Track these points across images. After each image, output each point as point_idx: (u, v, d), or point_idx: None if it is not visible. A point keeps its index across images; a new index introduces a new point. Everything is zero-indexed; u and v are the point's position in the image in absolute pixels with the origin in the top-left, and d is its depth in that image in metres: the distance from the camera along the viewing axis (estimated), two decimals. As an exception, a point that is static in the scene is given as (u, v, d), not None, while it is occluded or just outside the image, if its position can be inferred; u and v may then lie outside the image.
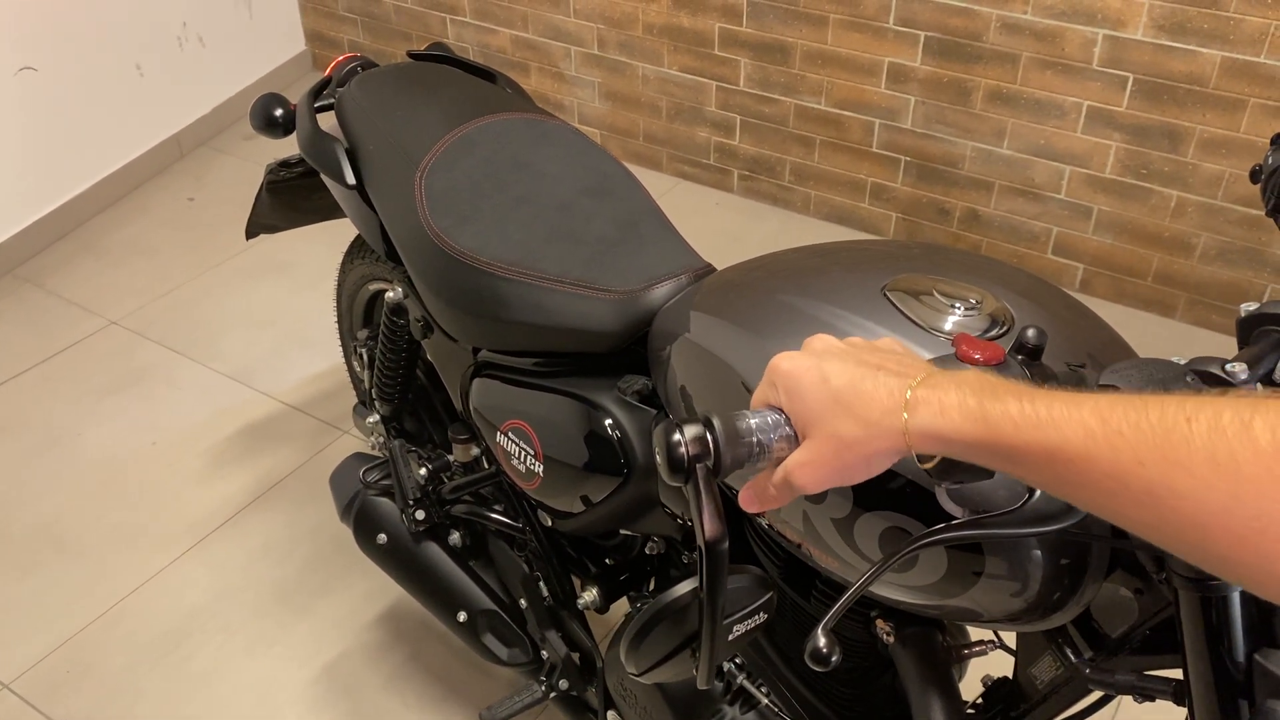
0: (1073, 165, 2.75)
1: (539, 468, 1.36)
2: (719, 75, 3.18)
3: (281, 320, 2.84)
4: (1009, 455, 0.61)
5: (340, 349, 2.13)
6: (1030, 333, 0.71)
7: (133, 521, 2.26)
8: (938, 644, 1.12)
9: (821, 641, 0.64)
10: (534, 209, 1.40)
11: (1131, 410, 0.56)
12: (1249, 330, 0.81)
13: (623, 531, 1.47)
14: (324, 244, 2.87)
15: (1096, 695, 1.03)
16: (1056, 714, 1.04)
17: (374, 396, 1.76)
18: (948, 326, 0.97)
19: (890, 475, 0.91)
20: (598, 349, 1.30)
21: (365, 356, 1.78)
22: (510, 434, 1.39)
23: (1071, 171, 2.76)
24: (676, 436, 0.63)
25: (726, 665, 1.27)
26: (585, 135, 1.53)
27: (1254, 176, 0.99)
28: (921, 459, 0.70)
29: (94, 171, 3.30)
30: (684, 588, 0.70)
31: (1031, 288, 1.06)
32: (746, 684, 1.27)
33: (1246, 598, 0.75)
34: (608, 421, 1.28)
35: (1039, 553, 0.89)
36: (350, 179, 1.52)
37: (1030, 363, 0.71)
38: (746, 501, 0.71)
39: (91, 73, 3.22)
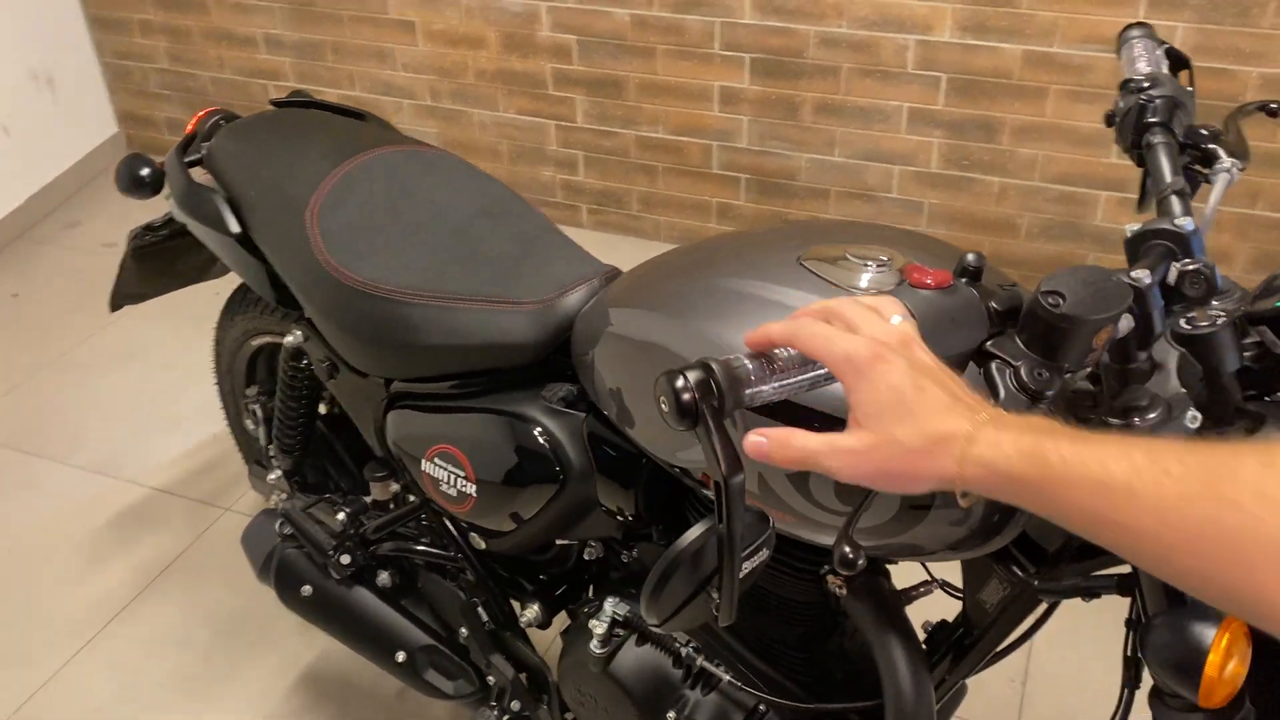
0: (901, 165, 2.93)
1: (471, 489, 1.36)
2: (557, 114, 3.24)
3: (137, 406, 2.71)
4: (1053, 494, 0.61)
5: (221, 414, 2.06)
6: (970, 257, 0.78)
7: (6, 635, 2.10)
8: (887, 591, 1.18)
9: (846, 548, 0.68)
10: (431, 235, 1.41)
11: (1181, 451, 0.57)
12: (1137, 247, 0.91)
13: (559, 542, 1.48)
14: (168, 327, 2.79)
15: (1043, 608, 1.11)
16: (1009, 632, 1.11)
17: (273, 453, 1.72)
18: (864, 284, 1.04)
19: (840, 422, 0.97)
20: (517, 362, 1.32)
21: (259, 413, 1.74)
22: (436, 460, 1.38)
23: (900, 171, 2.95)
24: (680, 381, 0.67)
25: (683, 650, 1.30)
26: (467, 162, 1.56)
27: (1109, 120, 1.11)
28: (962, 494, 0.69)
29: (-96, 276, 3.08)
30: (696, 531, 0.73)
31: (926, 243, 1.15)
32: (706, 664, 1.29)
33: None
34: (537, 431, 1.30)
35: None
36: (234, 227, 1.50)
37: (974, 283, 0.77)
38: (753, 446, 0.71)
39: (-108, 172, 3.02)
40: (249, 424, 1.82)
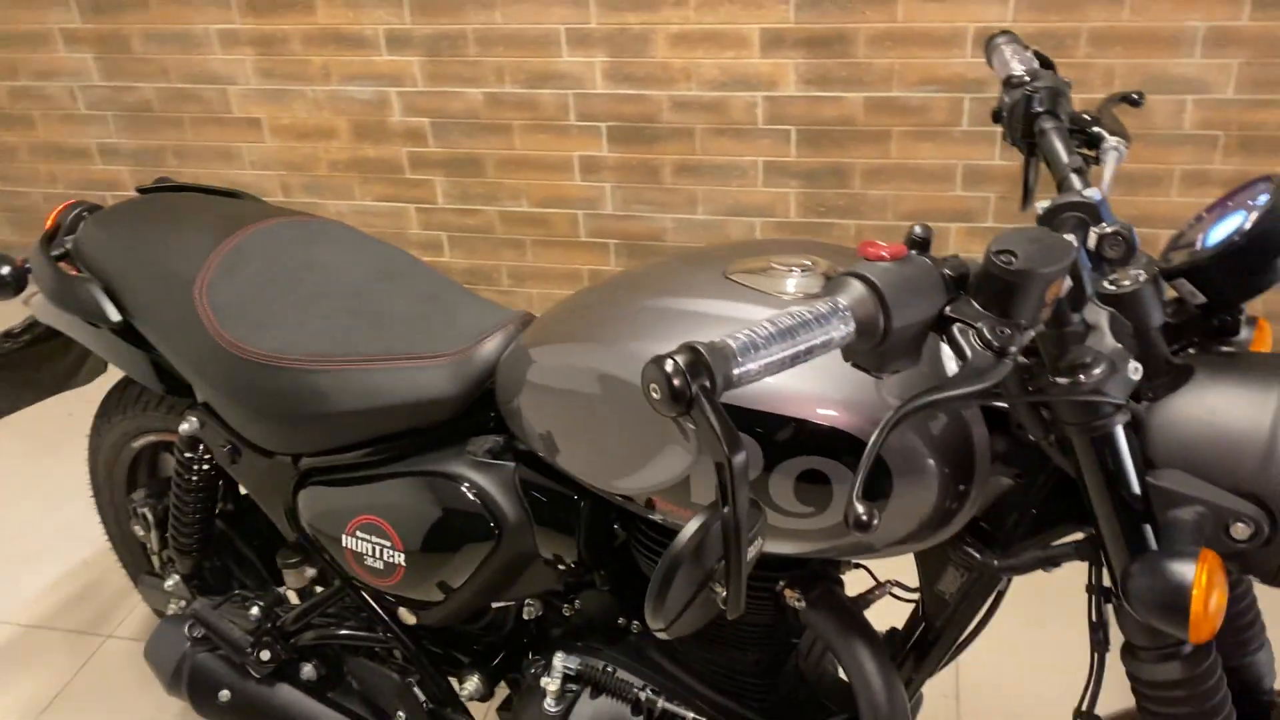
0: (761, 217, 3.02)
1: (399, 558, 1.30)
2: (416, 198, 3.22)
3: (-8, 540, 2.50)
4: None
5: (87, 538, 1.92)
6: (918, 229, 0.80)
7: None
8: (844, 597, 1.18)
9: (860, 508, 0.68)
10: (330, 300, 1.36)
11: None
12: (1051, 221, 0.95)
13: (495, 605, 1.42)
14: (16, 452, 2.61)
15: (999, 587, 1.12)
16: (970, 618, 1.12)
17: (169, 557, 1.61)
18: (792, 289, 1.05)
19: (796, 422, 0.97)
20: (436, 418, 1.28)
21: (150, 516, 1.63)
22: (358, 533, 1.32)
23: (762, 223, 3.03)
24: (670, 365, 0.65)
25: (643, 694, 1.26)
26: (354, 228, 1.52)
27: (996, 117, 1.17)
28: None
29: None
30: (692, 526, 0.71)
31: (838, 250, 1.17)
32: (668, 705, 1.26)
33: (1127, 428, 0.87)
34: (465, 487, 1.26)
35: (932, 461, 0.97)
36: (114, 315, 1.41)
37: (923, 254, 0.79)
38: None
39: None
40: (138, 530, 1.70)
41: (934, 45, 2.70)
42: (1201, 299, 0.91)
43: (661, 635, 0.74)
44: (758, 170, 2.96)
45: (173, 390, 1.46)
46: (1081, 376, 0.85)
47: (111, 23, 3.18)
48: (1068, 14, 2.60)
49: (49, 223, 1.59)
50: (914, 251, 0.81)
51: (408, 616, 1.39)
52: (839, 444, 0.96)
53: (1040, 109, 1.10)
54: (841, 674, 1.34)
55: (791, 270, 1.07)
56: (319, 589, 1.51)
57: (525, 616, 1.39)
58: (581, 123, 3.00)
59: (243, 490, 1.62)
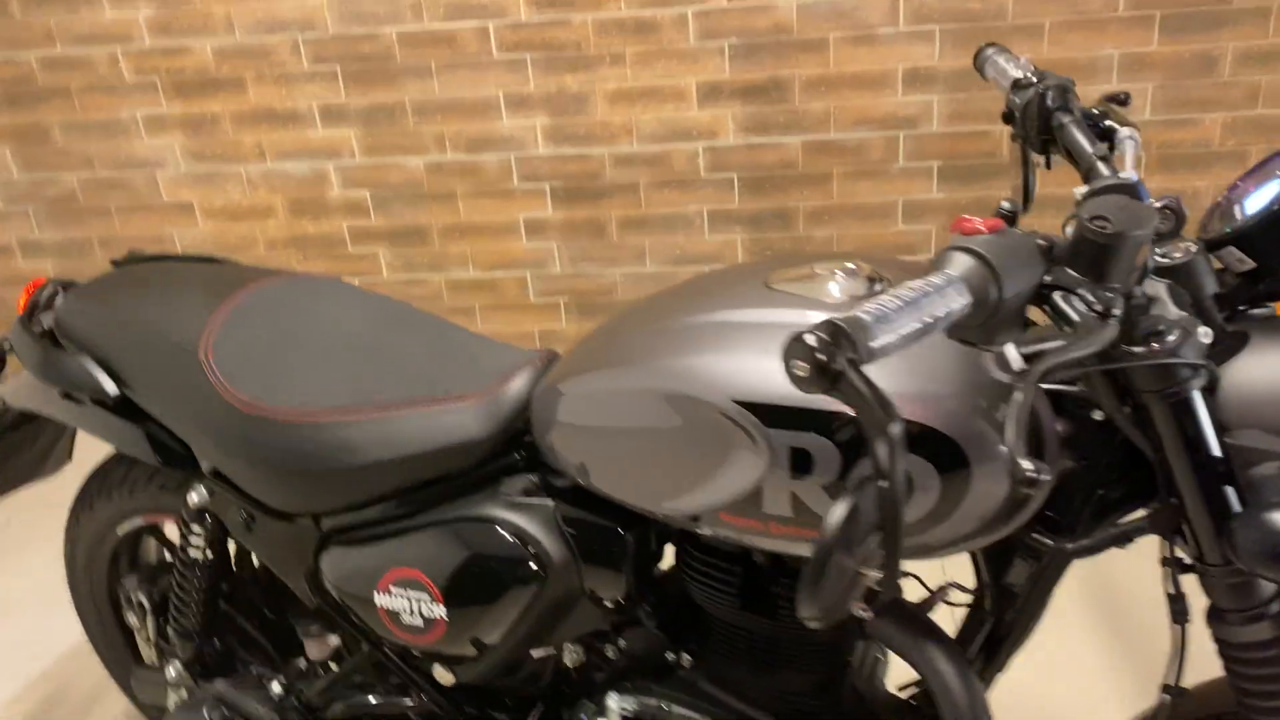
0: (710, 264, 3.06)
1: (440, 612, 1.25)
2: (360, 270, 3.18)
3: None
4: None
5: (46, 647, 1.80)
6: (1005, 204, 0.82)
7: None
8: (910, 604, 1.17)
9: (1026, 464, 0.68)
10: (344, 351, 1.33)
11: None
12: (1012, 221, 0.98)
13: (534, 654, 1.38)
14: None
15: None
16: (1043, 605, 1.12)
17: (170, 643, 1.51)
18: (838, 293, 1.06)
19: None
20: (469, 462, 1.25)
21: (146, 603, 1.54)
22: (392, 590, 1.27)
23: (710, 270, 3.06)
24: (813, 340, 0.65)
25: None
26: (349, 283, 1.49)
27: (1008, 118, 1.20)
28: None
29: None
30: (839, 509, 0.70)
31: (871, 255, 1.19)
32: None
33: (1203, 393, 0.89)
34: (505, 530, 1.22)
35: (1007, 450, 0.98)
36: (112, 388, 1.35)
37: (1012, 226, 0.81)
38: None
39: None
40: (131, 620, 1.61)
41: (866, 87, 2.79)
42: (1250, 265, 0.95)
43: (814, 625, 0.72)
44: (703, 219, 3.00)
45: (170, 462, 1.39)
46: (1155, 344, 0.87)
47: (29, 115, 3.10)
48: (990, 50, 2.72)
49: (22, 304, 1.52)
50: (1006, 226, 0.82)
51: (444, 675, 1.34)
52: (920, 439, 0.96)
53: (1054, 105, 1.14)
54: (892, 690, 1.33)
55: (834, 274, 1.08)
56: (343, 657, 1.44)
57: (567, 664, 1.35)
58: (525, 184, 3.00)
59: (246, 562, 1.55)
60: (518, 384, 1.25)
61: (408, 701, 1.39)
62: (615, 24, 2.78)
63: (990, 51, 1.30)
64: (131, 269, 1.55)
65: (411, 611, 1.26)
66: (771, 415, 0.98)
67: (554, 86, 2.87)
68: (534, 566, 1.21)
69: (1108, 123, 1.14)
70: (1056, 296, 0.78)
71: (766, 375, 0.99)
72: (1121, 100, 1.27)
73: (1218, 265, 0.99)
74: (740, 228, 3.00)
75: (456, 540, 1.24)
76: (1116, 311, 0.77)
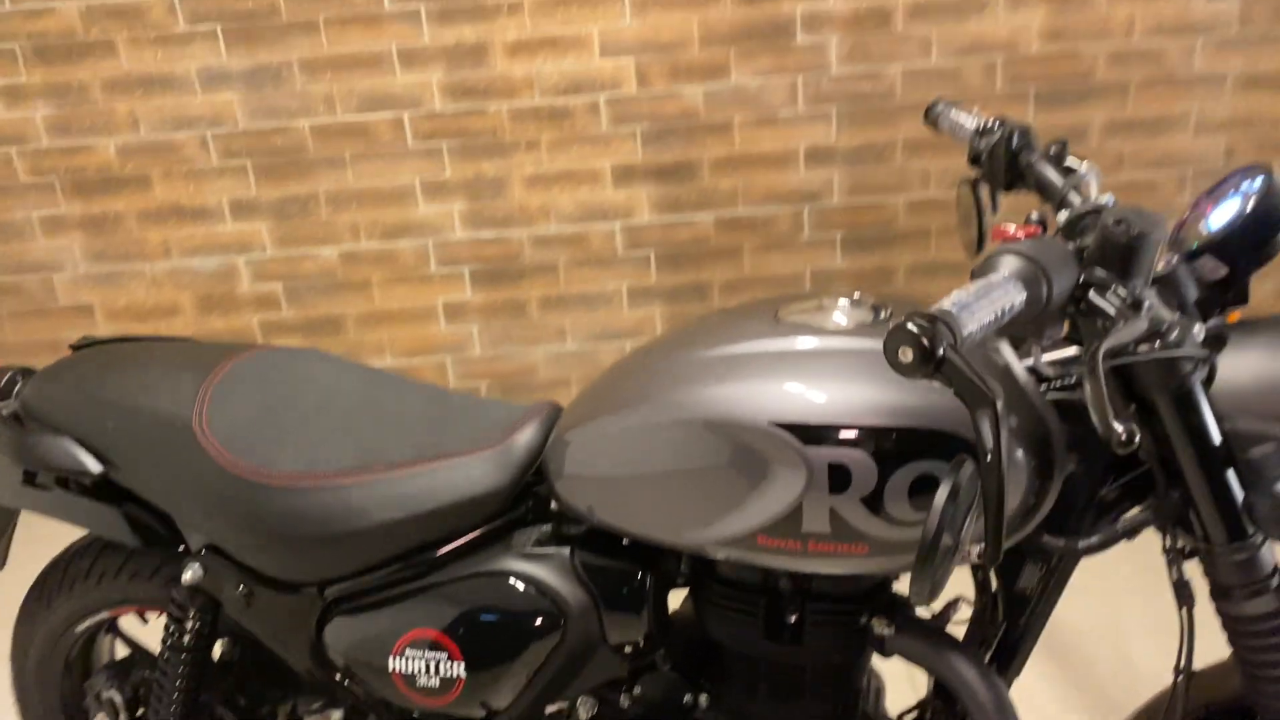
0: (630, 339, 3.12)
1: (458, 669, 1.24)
2: (273, 366, 3.11)
3: None
4: None
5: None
6: (1034, 214, 0.90)
7: None
8: (926, 620, 1.21)
9: (1118, 425, 0.73)
10: (342, 414, 1.32)
11: None
12: (1074, 228, 1.08)
13: (550, 710, 1.36)
14: None
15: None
16: (1053, 604, 1.18)
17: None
18: (846, 322, 1.12)
19: (907, 432, 1.02)
20: (483, 516, 1.25)
21: (118, 699, 1.46)
22: (408, 653, 1.25)
23: (632, 345, 3.12)
24: (914, 327, 0.70)
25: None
26: (330, 353, 1.48)
27: (975, 160, 1.31)
28: None
29: None
30: (940, 497, 0.74)
31: (891, 290, 1.26)
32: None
33: (1203, 385, 0.98)
34: (522, 582, 1.23)
35: (1021, 454, 1.05)
36: (95, 467, 1.30)
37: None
38: None
39: None
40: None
41: (771, 165, 2.94)
42: (1224, 271, 1.05)
43: (923, 609, 0.76)
44: (622, 295, 3.07)
45: (151, 543, 1.35)
46: (1157, 342, 0.96)
47: (-87, 220, 2.97)
48: (883, 127, 2.91)
49: (-24, 392, 1.45)
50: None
51: (458, 740, 1.31)
52: (943, 445, 1.01)
53: (1019, 146, 1.24)
54: (893, 716, 1.37)
55: (841, 304, 1.14)
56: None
57: (582, 716, 1.34)
58: (443, 269, 3.02)
59: (226, 646, 1.49)
60: (525, 436, 1.26)
61: (418, 771, 1.35)
62: (530, 111, 2.86)
63: (940, 107, 1.41)
64: (100, 350, 1.50)
65: (429, 673, 1.24)
66: (809, 434, 1.02)
67: (471, 173, 2.92)
68: (555, 615, 1.22)
69: (1069, 160, 1.25)
70: (1090, 293, 0.86)
71: (801, 396, 1.04)
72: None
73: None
74: (659, 302, 3.08)
75: (475, 597, 1.23)
76: (1147, 304, 0.85)
